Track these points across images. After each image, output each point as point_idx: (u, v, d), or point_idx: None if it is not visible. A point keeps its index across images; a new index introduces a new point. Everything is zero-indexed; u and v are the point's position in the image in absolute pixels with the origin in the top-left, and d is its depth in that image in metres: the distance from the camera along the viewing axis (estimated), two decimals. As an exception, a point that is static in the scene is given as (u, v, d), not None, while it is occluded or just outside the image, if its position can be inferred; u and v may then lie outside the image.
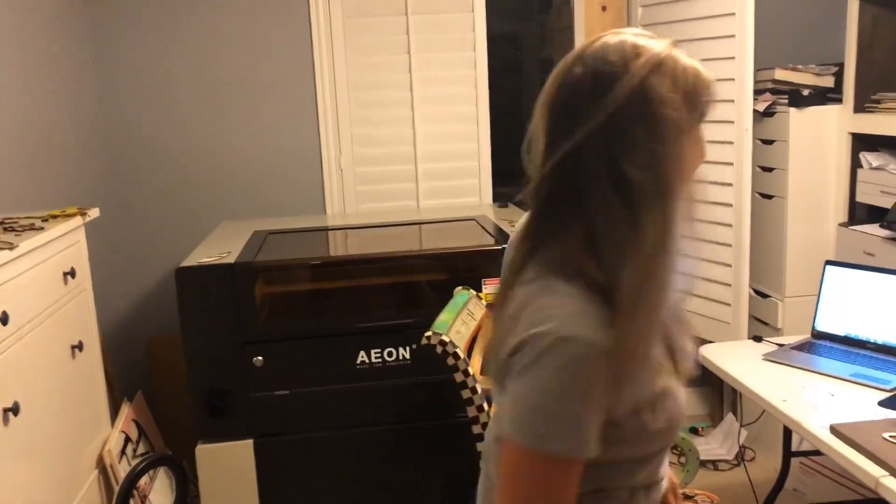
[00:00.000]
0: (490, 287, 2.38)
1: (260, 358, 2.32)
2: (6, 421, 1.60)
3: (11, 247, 1.63)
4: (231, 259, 2.34)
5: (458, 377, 1.76)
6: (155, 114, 3.11)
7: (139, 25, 3.04)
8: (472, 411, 1.78)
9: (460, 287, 2.12)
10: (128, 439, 2.44)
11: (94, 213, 2.15)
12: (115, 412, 2.46)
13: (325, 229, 2.92)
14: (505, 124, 3.28)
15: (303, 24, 3.12)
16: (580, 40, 3.39)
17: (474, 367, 1.88)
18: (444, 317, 1.88)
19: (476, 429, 1.78)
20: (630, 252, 0.92)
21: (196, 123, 3.15)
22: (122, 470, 2.26)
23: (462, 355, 1.77)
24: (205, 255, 2.41)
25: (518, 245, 1.03)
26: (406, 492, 2.45)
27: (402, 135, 3.22)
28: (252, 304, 2.31)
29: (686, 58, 0.97)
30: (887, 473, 1.58)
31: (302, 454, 2.39)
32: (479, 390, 1.78)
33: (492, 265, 2.40)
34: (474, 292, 2.12)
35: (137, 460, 2.36)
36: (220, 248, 2.51)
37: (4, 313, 1.59)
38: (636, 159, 0.91)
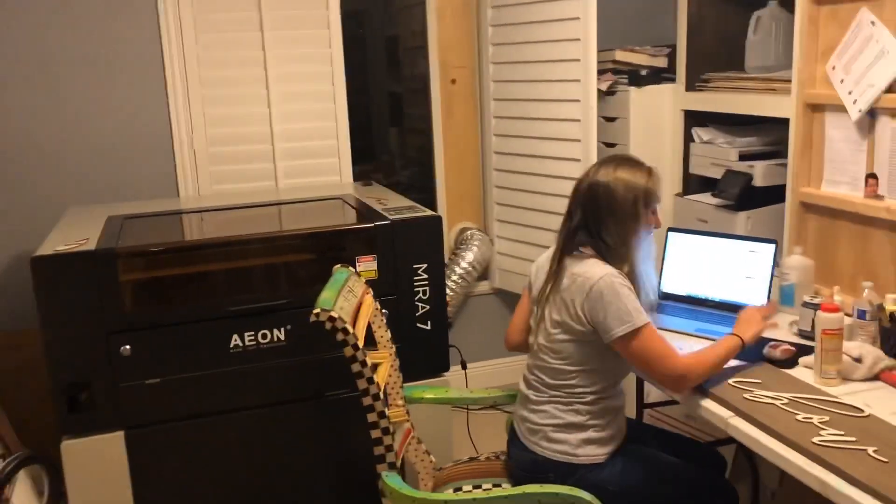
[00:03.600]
0: (364, 264, 2.41)
1: (128, 347, 2.24)
2: None
3: None
4: (91, 246, 2.24)
5: (349, 352, 1.80)
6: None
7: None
8: (362, 384, 1.82)
9: (339, 265, 2.15)
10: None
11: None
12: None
13: (186, 212, 2.83)
14: (351, 103, 3.29)
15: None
16: (432, 21, 3.48)
17: (359, 340, 1.91)
18: (326, 294, 1.90)
19: (366, 400, 1.82)
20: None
21: (27, 106, 2.93)
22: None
23: (351, 330, 1.80)
24: (60, 242, 2.28)
25: (552, 259, 2.01)
26: (288, 472, 2.45)
27: (258, 114, 3.17)
28: (116, 291, 2.22)
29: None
30: (734, 414, 1.79)
31: (177, 443, 2.33)
32: (369, 363, 1.82)
33: (364, 243, 2.43)
34: (353, 269, 2.15)
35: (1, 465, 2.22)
36: (76, 235, 2.38)
37: None
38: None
